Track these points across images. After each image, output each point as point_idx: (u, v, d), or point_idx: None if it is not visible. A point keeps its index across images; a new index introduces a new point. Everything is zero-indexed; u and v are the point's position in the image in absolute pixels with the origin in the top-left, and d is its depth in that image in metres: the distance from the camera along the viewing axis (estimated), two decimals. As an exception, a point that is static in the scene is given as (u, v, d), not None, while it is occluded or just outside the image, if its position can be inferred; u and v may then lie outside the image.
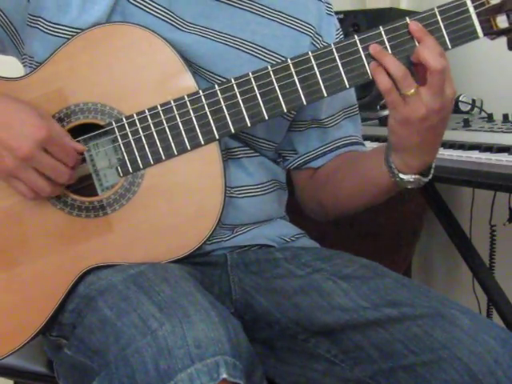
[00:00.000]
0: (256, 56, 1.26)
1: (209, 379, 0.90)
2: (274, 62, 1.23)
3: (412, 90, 1.10)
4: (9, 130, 1.10)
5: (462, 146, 1.58)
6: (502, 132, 1.65)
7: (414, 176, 1.19)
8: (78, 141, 1.18)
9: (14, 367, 1.37)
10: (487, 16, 1.12)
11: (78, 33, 1.18)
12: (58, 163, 1.12)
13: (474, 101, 2.03)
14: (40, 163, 1.11)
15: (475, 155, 1.51)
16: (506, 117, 1.83)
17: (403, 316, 1.12)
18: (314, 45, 1.33)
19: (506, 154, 1.47)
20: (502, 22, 1.12)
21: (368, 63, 1.13)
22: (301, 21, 1.32)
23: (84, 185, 1.18)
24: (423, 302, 1.13)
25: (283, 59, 1.23)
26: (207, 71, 1.23)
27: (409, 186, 1.21)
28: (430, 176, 1.22)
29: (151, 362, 0.92)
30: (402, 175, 1.19)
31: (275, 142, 1.33)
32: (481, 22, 1.12)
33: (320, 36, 1.34)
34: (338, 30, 1.38)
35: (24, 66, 1.27)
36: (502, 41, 1.16)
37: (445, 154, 1.56)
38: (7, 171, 1.12)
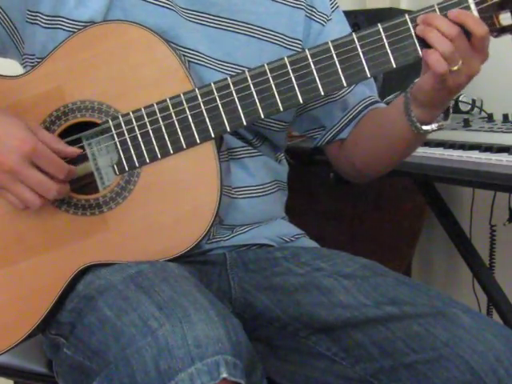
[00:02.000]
0: (253, 36, 1.27)
1: (209, 379, 0.90)
2: (272, 41, 1.25)
3: (458, 64, 1.09)
4: None
5: (462, 146, 1.57)
6: (502, 132, 1.65)
7: (435, 125, 1.19)
8: (79, 138, 1.18)
9: (13, 367, 1.37)
10: (489, 13, 1.10)
11: (76, 24, 1.19)
12: (44, 178, 1.10)
13: (474, 101, 2.03)
14: (26, 178, 1.10)
15: (475, 155, 1.50)
16: (505, 117, 1.83)
17: (404, 314, 1.12)
18: (309, 17, 1.33)
19: (506, 154, 1.46)
20: (505, 19, 1.10)
21: (366, 61, 1.13)
22: None
23: (87, 182, 1.19)
24: (424, 301, 1.13)
25: (280, 36, 1.25)
26: (207, 57, 1.24)
27: (432, 132, 1.21)
28: (450, 117, 1.21)
29: (151, 362, 0.92)
30: (424, 127, 1.19)
31: (285, 122, 1.33)
32: (483, 19, 1.10)
33: (312, 7, 1.34)
34: (331, 0, 1.38)
35: (24, 67, 1.26)
36: (503, 40, 1.15)
37: (445, 153, 1.56)
38: None
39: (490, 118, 1.88)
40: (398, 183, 2.21)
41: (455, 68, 1.09)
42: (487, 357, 1.04)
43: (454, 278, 2.45)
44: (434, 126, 1.19)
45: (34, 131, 1.11)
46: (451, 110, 1.21)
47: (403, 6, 2.43)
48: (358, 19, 2.07)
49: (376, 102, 1.39)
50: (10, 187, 1.11)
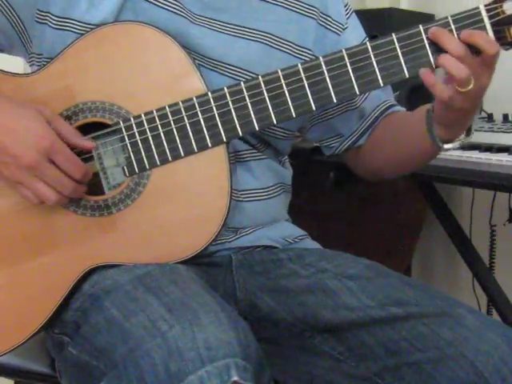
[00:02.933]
0: (264, 43, 1.27)
1: (219, 382, 0.89)
2: (282, 49, 1.26)
3: (470, 86, 1.09)
4: (13, 137, 1.09)
5: (462, 146, 1.57)
6: (502, 132, 1.66)
7: (458, 142, 1.20)
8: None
9: (14, 367, 1.37)
10: (502, 26, 1.10)
11: (86, 27, 1.18)
12: (61, 175, 1.11)
13: (474, 101, 2.03)
14: (43, 173, 1.10)
15: (475, 155, 1.51)
16: (505, 117, 1.84)
17: (409, 315, 1.12)
18: (324, 26, 1.33)
19: (505, 154, 1.47)
20: None
21: (379, 70, 1.13)
22: (304, 4, 1.31)
23: (91, 182, 1.18)
24: (429, 302, 1.14)
25: (289, 44, 1.25)
26: (220, 62, 1.23)
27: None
28: (472, 133, 1.22)
29: (161, 364, 0.92)
30: (446, 146, 1.20)
31: (290, 130, 1.33)
32: (495, 33, 1.10)
33: (327, 16, 1.33)
34: (346, 6, 1.37)
35: (31, 65, 1.26)
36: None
37: (445, 154, 1.57)
38: (12, 177, 1.12)
39: (490, 117, 1.88)
40: (398, 183, 2.21)
41: (469, 87, 1.09)
42: (491, 357, 1.05)
43: (454, 278, 2.46)
44: (455, 144, 1.20)
45: (51, 120, 1.12)
46: (473, 128, 1.21)
47: (403, 5, 2.42)
48: (358, 19, 2.06)
49: (392, 105, 1.39)
50: (27, 182, 1.11)
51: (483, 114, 1.99)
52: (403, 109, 1.40)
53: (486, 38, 1.09)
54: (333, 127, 1.39)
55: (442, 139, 1.19)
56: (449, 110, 1.13)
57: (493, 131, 1.69)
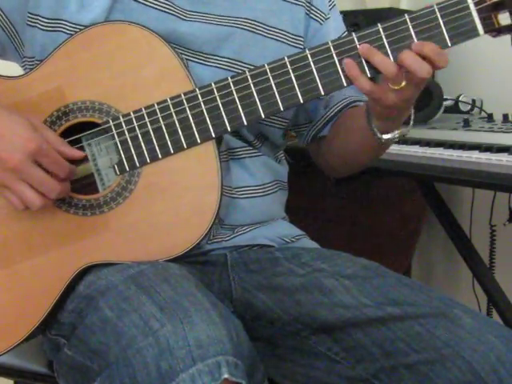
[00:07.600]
0: (259, 33, 1.28)
1: (210, 379, 0.89)
2: (276, 38, 1.26)
3: (403, 84, 1.10)
4: (0, 142, 1.09)
5: (462, 146, 1.58)
6: (502, 132, 1.66)
7: (397, 132, 1.21)
8: (79, 138, 1.18)
9: (14, 367, 1.37)
10: (488, 13, 1.10)
11: (77, 28, 1.19)
12: (47, 177, 1.11)
13: (473, 101, 2.03)
14: (29, 176, 1.10)
15: (475, 155, 1.51)
16: (505, 117, 1.83)
17: (405, 315, 1.12)
18: (309, 15, 1.34)
19: (505, 154, 1.47)
20: (504, 19, 1.10)
21: (366, 61, 1.13)
22: None
23: (87, 183, 1.19)
24: (425, 302, 1.13)
25: (284, 34, 1.26)
26: (213, 56, 1.24)
27: (394, 140, 1.24)
28: (411, 123, 1.23)
29: (153, 362, 0.92)
30: (385, 136, 1.21)
31: (286, 118, 1.34)
32: (482, 19, 1.10)
33: (312, 5, 1.35)
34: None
35: (24, 69, 1.27)
36: (502, 40, 1.15)
37: (445, 153, 1.57)
38: None
39: (490, 117, 1.88)
40: (398, 183, 2.21)
41: (398, 87, 1.11)
42: (488, 357, 1.04)
43: (454, 278, 2.46)
44: (395, 134, 1.21)
45: (38, 130, 1.11)
46: (412, 117, 1.22)
47: (403, 6, 2.45)
48: (358, 19, 2.07)
49: (355, 101, 1.39)
50: (12, 185, 1.11)
51: (483, 114, 1.98)
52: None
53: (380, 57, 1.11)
54: (305, 111, 1.40)
55: (380, 130, 1.20)
56: (379, 105, 1.15)
57: (493, 131, 1.69)
